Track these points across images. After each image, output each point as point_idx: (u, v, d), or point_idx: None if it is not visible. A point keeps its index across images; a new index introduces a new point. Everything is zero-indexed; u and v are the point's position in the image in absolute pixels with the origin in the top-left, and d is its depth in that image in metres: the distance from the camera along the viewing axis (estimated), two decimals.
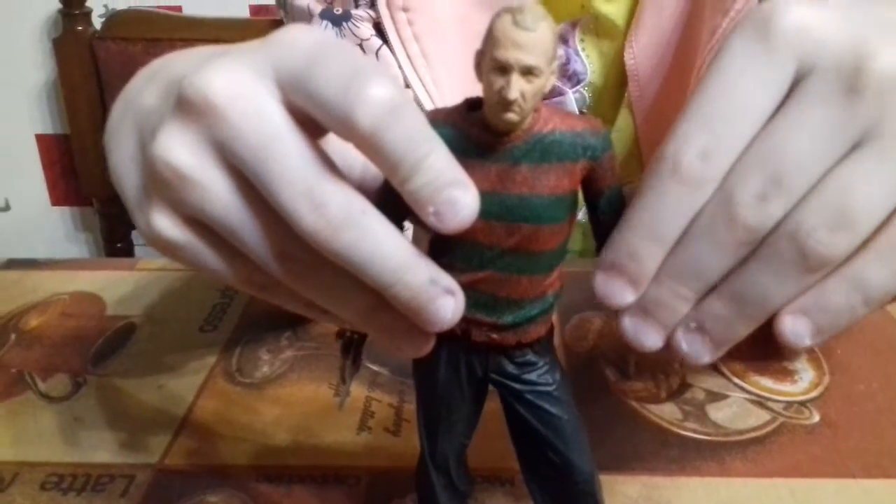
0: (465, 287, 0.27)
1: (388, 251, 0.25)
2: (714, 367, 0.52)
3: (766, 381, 0.51)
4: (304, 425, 0.48)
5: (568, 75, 0.65)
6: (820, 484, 0.42)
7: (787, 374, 0.52)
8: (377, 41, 0.59)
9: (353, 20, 0.59)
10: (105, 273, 0.67)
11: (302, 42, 0.27)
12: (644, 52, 0.62)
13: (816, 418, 0.48)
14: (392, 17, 0.58)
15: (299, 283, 0.28)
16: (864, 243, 0.27)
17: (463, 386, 0.32)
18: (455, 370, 0.31)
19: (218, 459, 0.45)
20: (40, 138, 1.44)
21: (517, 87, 0.25)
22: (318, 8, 0.60)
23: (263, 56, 0.27)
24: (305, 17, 0.61)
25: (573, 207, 0.29)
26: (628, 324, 0.29)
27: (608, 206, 0.29)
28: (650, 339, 0.29)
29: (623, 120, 0.65)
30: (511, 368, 0.31)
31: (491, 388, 0.32)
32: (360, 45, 0.59)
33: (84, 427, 0.48)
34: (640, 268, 0.28)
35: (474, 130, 0.27)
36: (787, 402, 0.49)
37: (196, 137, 0.26)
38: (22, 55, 1.38)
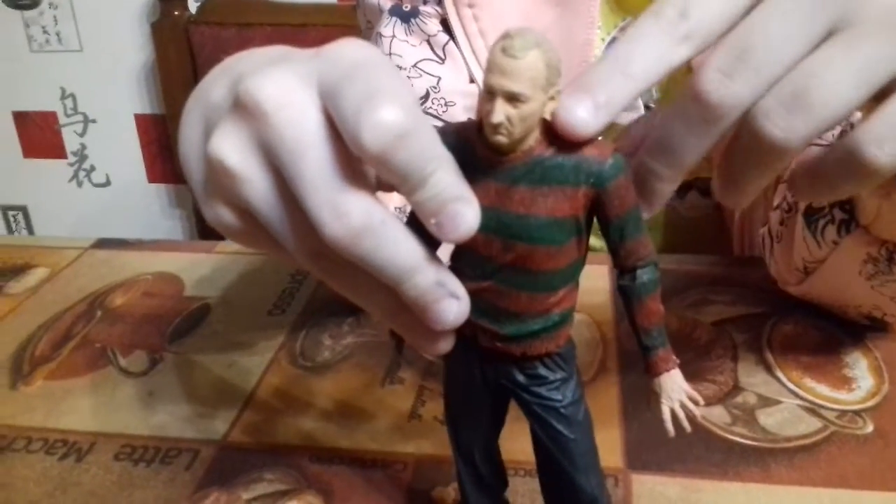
0: (471, 294, 0.28)
1: (402, 255, 0.27)
2: (769, 372, 0.52)
3: (822, 388, 0.50)
4: (358, 410, 0.50)
5: None
6: (865, 496, 0.42)
7: (845, 382, 0.51)
8: (444, 37, 0.61)
9: (420, 16, 0.60)
10: (186, 255, 0.71)
11: (345, 57, 0.28)
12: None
13: (870, 428, 0.47)
14: (458, 13, 0.59)
15: (330, 281, 0.30)
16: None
17: (479, 385, 0.33)
18: (470, 370, 0.33)
19: (276, 438, 0.48)
20: (139, 118, 1.51)
21: (501, 111, 0.26)
22: (387, 4, 0.62)
23: (313, 66, 0.28)
24: (376, 11, 0.63)
25: (576, 232, 0.29)
26: None
27: (617, 234, 0.29)
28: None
29: None
30: (520, 378, 0.32)
31: None
32: (428, 41, 0.61)
33: (157, 402, 0.52)
34: (602, 92, 0.28)
35: (480, 147, 0.28)
36: (842, 411, 0.48)
37: (246, 137, 0.28)
38: (122, 38, 1.45)
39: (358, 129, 0.25)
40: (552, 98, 0.27)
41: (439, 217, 0.26)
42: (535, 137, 0.28)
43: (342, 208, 0.26)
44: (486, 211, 0.27)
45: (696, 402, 0.31)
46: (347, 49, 0.29)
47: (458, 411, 0.35)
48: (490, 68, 0.26)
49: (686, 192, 0.70)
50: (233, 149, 0.28)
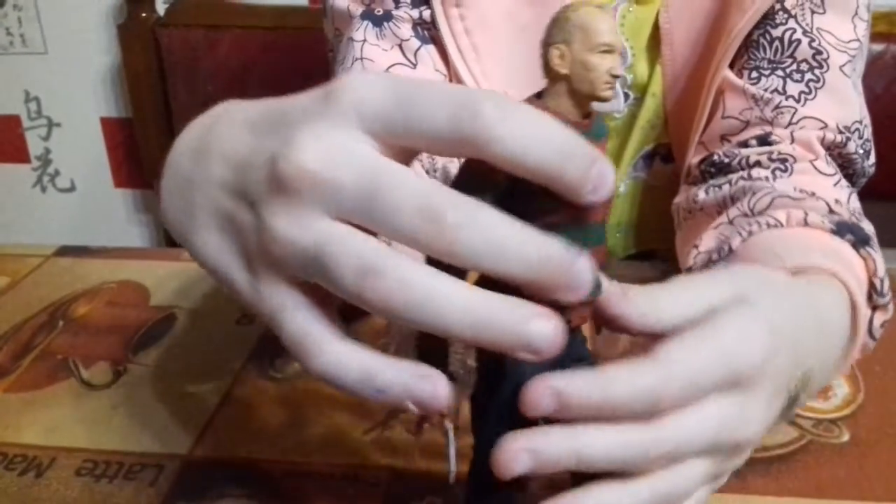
0: None
1: (506, 237, 0.26)
2: None
3: None
4: (329, 422, 0.49)
5: None
6: None
7: (822, 390, 0.51)
8: (416, 42, 0.60)
9: (393, 20, 0.60)
10: (152, 263, 0.69)
11: (378, 85, 0.27)
12: (679, 15, 0.63)
13: (846, 437, 0.47)
14: (445, 13, 0.60)
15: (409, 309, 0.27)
16: None
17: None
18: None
19: (244, 453, 0.46)
20: (105, 122, 1.48)
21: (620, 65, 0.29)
22: (358, 9, 0.61)
23: (341, 111, 0.27)
24: (346, 18, 0.62)
25: None
26: None
27: None
28: None
29: (656, 84, 0.64)
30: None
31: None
32: (400, 46, 0.60)
33: (121, 415, 0.50)
34: None
35: (565, 116, 0.29)
36: (818, 420, 0.48)
37: (305, 211, 0.27)
38: (88, 41, 1.42)
39: (477, 130, 0.26)
40: None
41: (593, 182, 0.26)
42: None
43: (433, 211, 0.26)
44: None
45: None
46: (370, 78, 0.28)
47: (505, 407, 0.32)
48: (601, 29, 0.29)
49: (651, 161, 0.69)
50: (298, 229, 0.27)
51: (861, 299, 0.43)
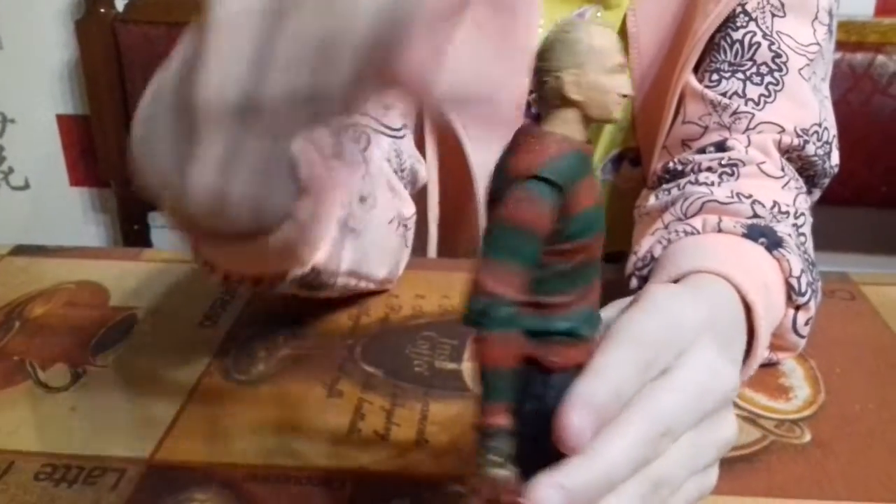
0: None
1: None
2: None
3: (761, 398, 0.51)
4: (294, 425, 0.48)
5: None
6: None
7: (783, 392, 0.51)
8: None
9: None
10: (111, 262, 0.67)
11: None
12: (645, 20, 0.64)
13: (808, 437, 0.47)
14: None
15: None
16: None
17: None
18: None
19: (208, 456, 0.46)
20: (61, 119, 1.46)
21: None
22: None
23: None
24: None
25: None
26: None
27: None
28: None
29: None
30: None
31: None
32: None
33: (80, 418, 0.49)
34: None
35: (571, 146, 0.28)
36: (780, 420, 0.49)
37: None
38: (45, 36, 1.39)
39: None
40: None
41: None
42: None
43: None
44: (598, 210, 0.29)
45: None
46: None
47: None
48: (609, 51, 0.28)
49: (619, 165, 0.70)
50: None
51: (757, 297, 0.44)
